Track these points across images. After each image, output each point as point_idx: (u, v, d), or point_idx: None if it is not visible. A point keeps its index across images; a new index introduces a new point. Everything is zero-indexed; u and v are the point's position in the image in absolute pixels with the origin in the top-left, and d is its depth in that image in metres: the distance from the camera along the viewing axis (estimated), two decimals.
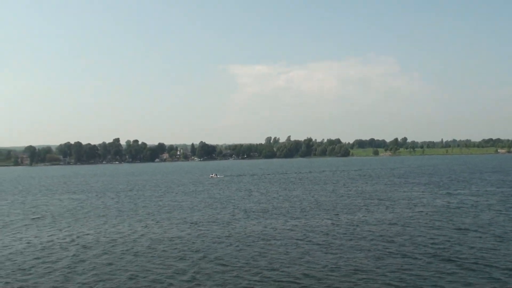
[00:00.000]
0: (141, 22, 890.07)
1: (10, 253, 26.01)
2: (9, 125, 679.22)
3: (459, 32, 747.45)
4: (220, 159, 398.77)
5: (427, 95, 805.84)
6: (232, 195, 59.27)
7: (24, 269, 22.24)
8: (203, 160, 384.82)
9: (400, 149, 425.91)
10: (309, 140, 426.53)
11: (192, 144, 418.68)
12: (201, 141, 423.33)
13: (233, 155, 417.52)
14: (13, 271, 21.90)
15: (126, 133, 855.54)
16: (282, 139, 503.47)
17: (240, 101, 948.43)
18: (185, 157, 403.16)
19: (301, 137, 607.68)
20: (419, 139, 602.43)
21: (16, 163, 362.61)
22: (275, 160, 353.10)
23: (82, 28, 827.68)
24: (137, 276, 20.51)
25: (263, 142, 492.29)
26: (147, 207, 47.13)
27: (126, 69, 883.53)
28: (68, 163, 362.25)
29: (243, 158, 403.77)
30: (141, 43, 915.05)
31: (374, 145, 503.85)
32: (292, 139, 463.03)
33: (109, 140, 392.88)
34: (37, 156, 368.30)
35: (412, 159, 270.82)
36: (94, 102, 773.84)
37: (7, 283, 20.08)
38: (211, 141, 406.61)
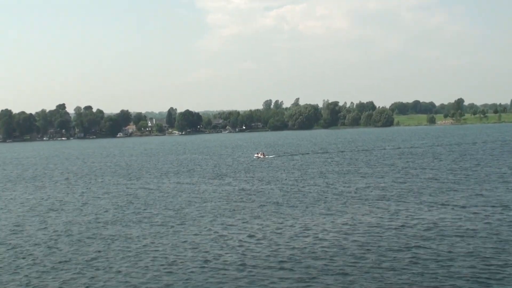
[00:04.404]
0: None
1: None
2: None
3: None
4: (209, 132, 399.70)
5: (475, 38, 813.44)
6: (404, 176, 62.81)
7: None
8: (186, 133, 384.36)
9: (466, 115, 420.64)
10: (335, 104, 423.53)
11: (169, 112, 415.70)
12: (171, 107, 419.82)
13: (227, 127, 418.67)
14: None
15: (75, 98, 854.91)
16: (287, 104, 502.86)
17: (211, 47, 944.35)
18: (160, 130, 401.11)
19: (314, 101, 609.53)
20: (478, 101, 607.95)
21: None
22: (289, 132, 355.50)
23: None
24: None
25: (260, 107, 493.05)
26: (338, 190, 49.98)
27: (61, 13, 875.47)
28: None
29: (241, 131, 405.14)
30: None
31: (420, 110, 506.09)
32: (301, 103, 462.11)
33: (51, 107, 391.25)
34: None
35: (495, 127, 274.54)
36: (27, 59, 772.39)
37: None
38: (186, 108, 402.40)
